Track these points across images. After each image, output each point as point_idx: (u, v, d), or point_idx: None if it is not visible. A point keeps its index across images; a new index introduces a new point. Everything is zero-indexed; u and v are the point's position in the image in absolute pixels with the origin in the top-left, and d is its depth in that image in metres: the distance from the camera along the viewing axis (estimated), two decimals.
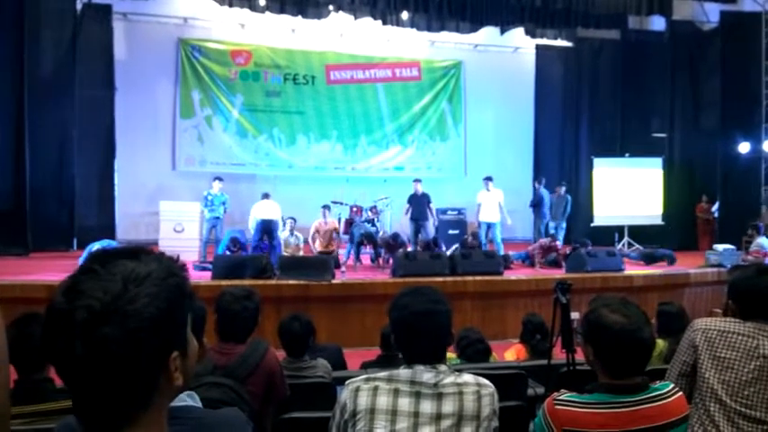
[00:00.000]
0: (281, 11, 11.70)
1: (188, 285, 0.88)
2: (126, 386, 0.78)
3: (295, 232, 9.88)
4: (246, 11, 11.80)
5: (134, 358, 0.77)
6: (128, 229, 12.55)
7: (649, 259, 10.27)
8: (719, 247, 9.89)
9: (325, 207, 10.45)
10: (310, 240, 10.17)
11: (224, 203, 10.08)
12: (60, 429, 0.96)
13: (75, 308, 0.77)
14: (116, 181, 12.07)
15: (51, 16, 11.11)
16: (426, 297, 1.78)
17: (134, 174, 12.44)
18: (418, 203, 10.80)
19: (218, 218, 10.04)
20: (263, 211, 9.84)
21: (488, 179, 10.93)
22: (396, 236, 9.69)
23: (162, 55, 13.07)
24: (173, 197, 11.25)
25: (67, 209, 11.11)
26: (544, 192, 11.78)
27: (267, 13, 11.77)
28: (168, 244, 9.97)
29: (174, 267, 0.86)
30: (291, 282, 7.50)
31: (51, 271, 8.09)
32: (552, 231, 11.52)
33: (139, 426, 0.81)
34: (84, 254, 8.37)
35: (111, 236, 11.45)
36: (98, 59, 11.90)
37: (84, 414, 0.81)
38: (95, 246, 8.36)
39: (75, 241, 10.85)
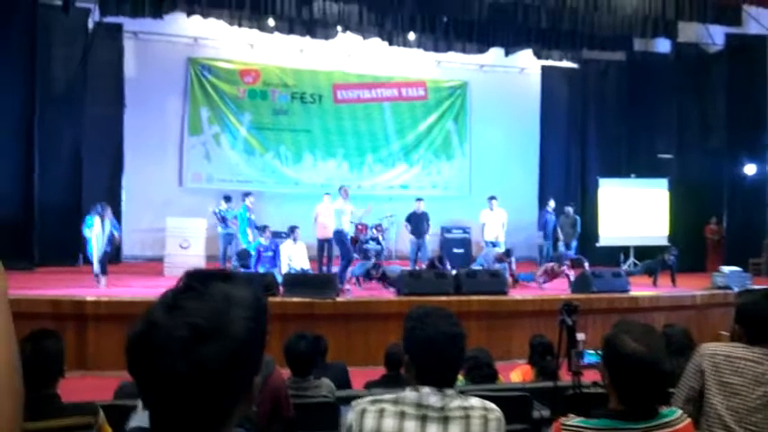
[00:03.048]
0: (290, 31, 11.86)
1: (269, 309, 0.89)
2: (215, 407, 0.78)
3: (299, 241, 9.70)
4: (255, 31, 11.96)
5: (230, 379, 0.78)
6: (134, 244, 12.60)
7: (651, 271, 10.27)
8: (726, 269, 9.83)
9: (327, 193, 10.47)
10: (314, 223, 10.08)
11: (236, 217, 10.35)
12: None
13: (178, 325, 0.76)
14: (123, 197, 12.14)
15: (63, 34, 11.29)
16: (451, 319, 1.76)
17: (141, 190, 12.51)
18: (418, 221, 10.86)
19: (231, 234, 10.25)
20: None
21: (492, 198, 10.96)
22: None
23: (171, 73, 13.22)
24: (179, 213, 11.30)
25: (74, 224, 11.14)
26: (550, 215, 11.77)
27: (276, 33, 11.93)
28: (174, 261, 10.01)
29: (258, 291, 0.87)
30: (296, 299, 7.49)
31: (56, 286, 8.13)
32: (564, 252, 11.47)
33: None
34: (87, 220, 8.84)
35: (118, 252, 11.50)
36: (108, 77, 12.05)
37: (162, 431, 0.80)
38: (97, 209, 8.79)
39: (80, 256, 10.88)
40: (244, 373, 0.81)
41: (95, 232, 8.79)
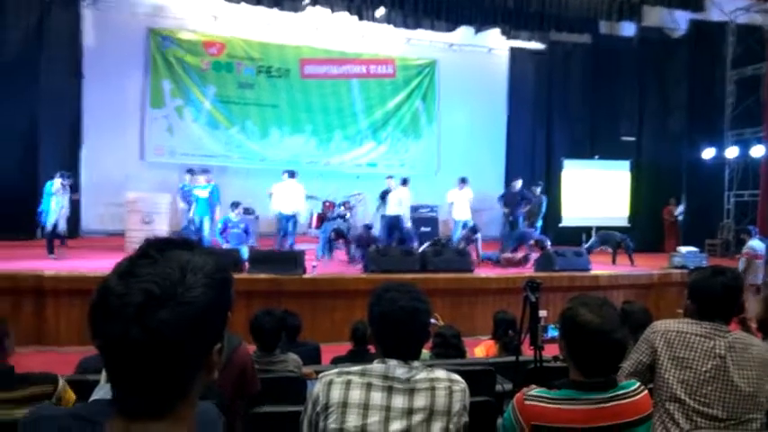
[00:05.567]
0: (257, 2, 11.56)
1: (233, 282, 0.88)
2: (172, 374, 0.79)
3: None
4: (220, 2, 11.64)
5: (185, 346, 0.78)
6: (93, 219, 12.30)
7: (605, 241, 10.84)
8: (683, 249, 10.16)
9: (293, 172, 10.58)
10: (270, 198, 10.20)
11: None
12: (32, 418, 0.94)
13: (132, 291, 0.77)
14: (82, 171, 11.80)
15: (17, 1, 10.81)
16: (412, 294, 1.79)
17: (101, 164, 12.16)
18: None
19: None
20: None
21: (463, 180, 10.91)
22: (368, 228, 9.75)
23: (132, 44, 12.78)
24: (140, 188, 11.04)
25: (31, 198, 10.81)
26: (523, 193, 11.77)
27: (242, 4, 11.63)
28: (135, 236, 9.78)
29: (223, 263, 0.86)
30: (262, 276, 7.45)
31: (13, 260, 7.89)
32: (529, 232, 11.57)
33: (176, 415, 0.81)
34: (46, 188, 8.81)
35: (76, 228, 11.23)
36: (65, 47, 11.61)
37: (123, 400, 0.80)
38: (56, 177, 8.83)
39: (38, 231, 10.57)
40: (201, 340, 0.81)
41: (56, 200, 8.69)
